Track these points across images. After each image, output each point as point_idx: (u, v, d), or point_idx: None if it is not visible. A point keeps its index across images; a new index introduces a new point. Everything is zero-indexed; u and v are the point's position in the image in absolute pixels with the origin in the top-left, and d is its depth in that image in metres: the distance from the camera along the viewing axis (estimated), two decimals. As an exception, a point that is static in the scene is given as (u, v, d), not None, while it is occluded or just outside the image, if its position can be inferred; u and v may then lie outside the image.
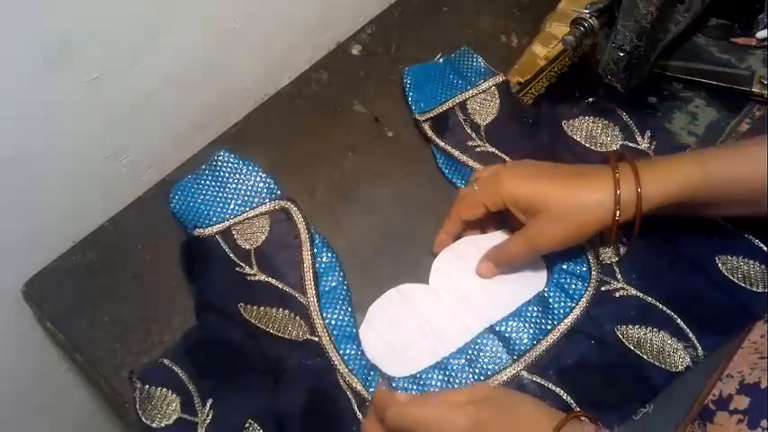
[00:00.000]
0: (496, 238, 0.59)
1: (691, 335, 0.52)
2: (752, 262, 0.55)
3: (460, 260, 0.58)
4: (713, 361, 0.52)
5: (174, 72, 0.59)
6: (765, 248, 0.56)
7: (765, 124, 0.64)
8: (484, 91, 0.65)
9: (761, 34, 0.65)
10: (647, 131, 0.62)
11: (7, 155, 0.51)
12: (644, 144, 0.62)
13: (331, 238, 0.60)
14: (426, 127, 0.64)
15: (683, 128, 0.65)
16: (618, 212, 0.49)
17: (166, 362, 0.52)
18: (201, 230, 0.58)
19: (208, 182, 0.61)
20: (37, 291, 0.58)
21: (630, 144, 0.62)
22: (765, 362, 0.49)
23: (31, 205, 0.56)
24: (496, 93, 0.65)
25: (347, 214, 0.61)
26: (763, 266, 0.55)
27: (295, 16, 0.67)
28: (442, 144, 0.63)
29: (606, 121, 0.63)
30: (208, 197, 0.60)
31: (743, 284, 0.54)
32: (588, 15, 0.59)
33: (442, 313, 0.55)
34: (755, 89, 0.63)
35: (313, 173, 0.64)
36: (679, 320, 0.53)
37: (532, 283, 0.56)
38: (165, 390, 0.51)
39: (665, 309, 0.53)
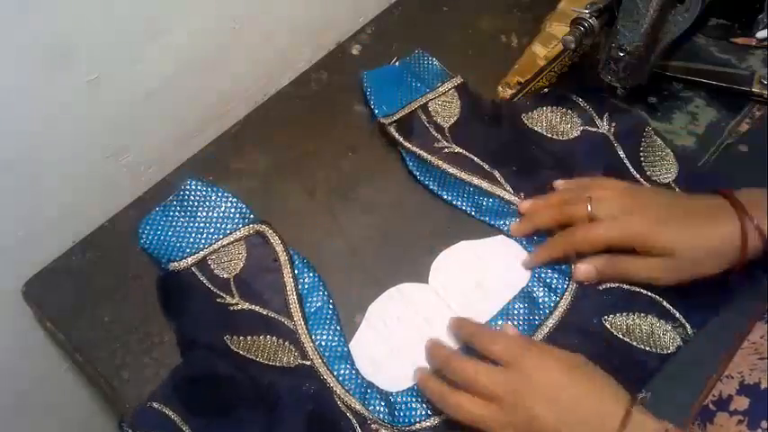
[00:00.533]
0: (496, 242, 0.59)
1: (678, 315, 0.53)
2: None
3: (460, 260, 0.58)
4: (713, 361, 0.52)
5: (174, 72, 0.59)
6: None
7: (765, 124, 0.64)
8: (443, 93, 0.65)
9: (761, 34, 0.65)
10: (605, 114, 0.63)
11: (7, 155, 0.51)
12: (604, 127, 0.62)
13: (331, 238, 0.60)
14: (392, 130, 0.63)
15: (682, 128, 0.65)
16: (746, 252, 0.49)
17: (156, 405, 0.50)
18: (176, 264, 0.56)
19: (177, 213, 0.59)
20: (37, 291, 0.58)
21: (591, 129, 0.62)
22: (765, 362, 0.49)
23: (31, 205, 0.56)
24: (456, 94, 0.65)
25: (347, 214, 0.61)
26: None
27: (295, 16, 0.67)
28: (409, 146, 0.62)
29: (564, 109, 0.64)
30: (179, 228, 0.58)
31: None
32: (588, 15, 0.59)
33: (442, 312, 0.55)
34: (755, 89, 0.63)
35: (313, 173, 0.64)
36: (664, 302, 0.53)
37: (526, 279, 0.57)
38: None
39: (648, 292, 0.54)
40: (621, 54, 0.59)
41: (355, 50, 0.72)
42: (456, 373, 0.48)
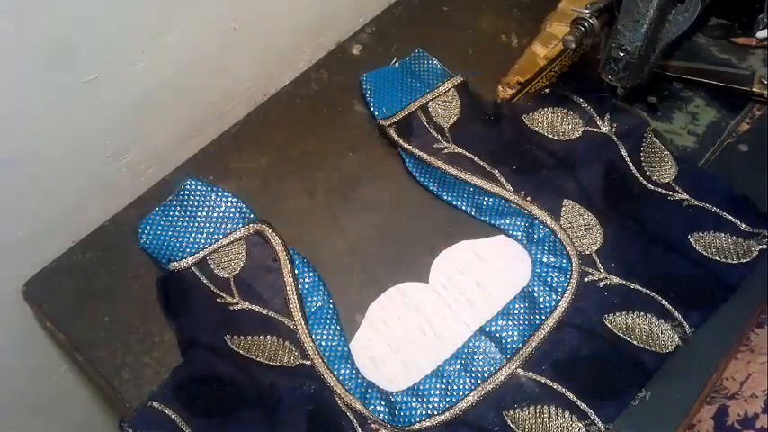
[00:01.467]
0: (496, 242, 0.59)
1: (677, 314, 0.53)
2: (723, 235, 0.57)
3: (459, 260, 0.58)
4: (712, 361, 0.52)
5: (174, 72, 0.59)
6: (733, 219, 0.57)
7: (765, 124, 0.64)
8: (443, 93, 0.65)
9: (761, 34, 0.65)
10: (606, 115, 0.63)
11: (7, 155, 0.51)
12: (605, 128, 0.62)
13: (331, 237, 0.60)
14: (392, 132, 0.63)
15: (683, 128, 0.65)
16: None
17: (156, 405, 0.50)
18: (176, 263, 0.56)
19: (177, 213, 0.59)
20: (37, 291, 0.58)
21: (593, 129, 0.63)
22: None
23: (31, 205, 0.56)
24: (456, 94, 0.65)
25: (347, 214, 0.61)
26: (734, 238, 0.56)
27: (295, 16, 0.67)
28: (409, 148, 0.62)
29: (565, 110, 0.64)
30: (178, 228, 0.58)
31: (718, 258, 0.56)
32: (588, 15, 0.59)
33: (442, 311, 0.55)
34: (755, 89, 0.63)
35: (313, 173, 0.64)
36: (663, 301, 0.54)
37: (526, 278, 0.57)
38: None
39: (648, 292, 0.54)
40: (621, 54, 0.59)
41: (355, 50, 0.72)
42: None
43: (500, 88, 0.67)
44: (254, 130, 0.67)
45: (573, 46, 0.59)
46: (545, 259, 0.56)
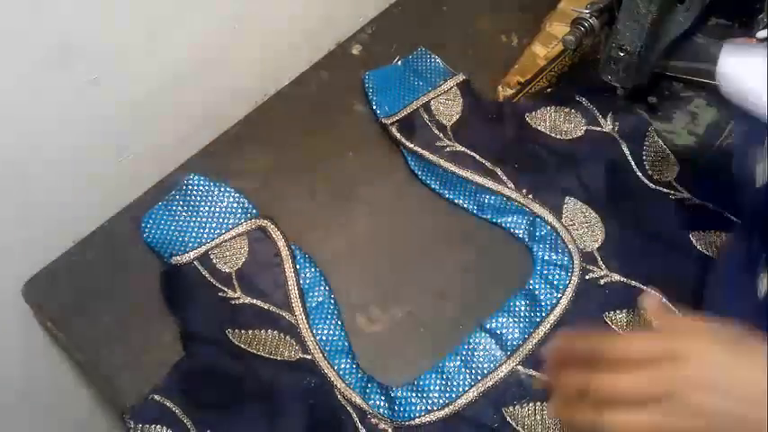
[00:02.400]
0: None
1: (677, 313, 0.53)
2: (725, 235, 0.56)
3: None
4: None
5: (174, 72, 0.59)
6: (734, 218, 0.57)
7: (765, 124, 0.64)
8: (446, 91, 0.65)
9: (761, 34, 0.65)
10: (609, 114, 0.63)
11: (8, 155, 0.51)
12: (608, 127, 0.62)
13: (331, 237, 0.60)
14: (394, 130, 0.63)
15: (683, 128, 0.65)
16: None
17: (157, 397, 0.50)
18: (179, 258, 0.56)
19: (179, 207, 0.59)
20: (37, 291, 0.58)
21: (595, 128, 0.63)
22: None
23: (32, 205, 0.56)
24: (458, 92, 0.65)
25: (347, 214, 0.61)
26: None
27: (295, 16, 0.67)
28: (411, 146, 0.62)
29: (568, 109, 0.64)
30: (181, 223, 0.58)
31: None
32: (588, 15, 0.59)
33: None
34: (755, 89, 0.63)
35: (313, 173, 0.64)
36: (664, 300, 0.53)
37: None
38: (159, 427, 0.49)
39: (647, 288, 0.54)
40: (621, 54, 0.59)
41: (355, 50, 0.72)
42: (597, 394, 0.37)
43: (500, 88, 0.67)
44: (254, 130, 0.67)
45: (573, 46, 0.59)
46: (546, 257, 0.56)
